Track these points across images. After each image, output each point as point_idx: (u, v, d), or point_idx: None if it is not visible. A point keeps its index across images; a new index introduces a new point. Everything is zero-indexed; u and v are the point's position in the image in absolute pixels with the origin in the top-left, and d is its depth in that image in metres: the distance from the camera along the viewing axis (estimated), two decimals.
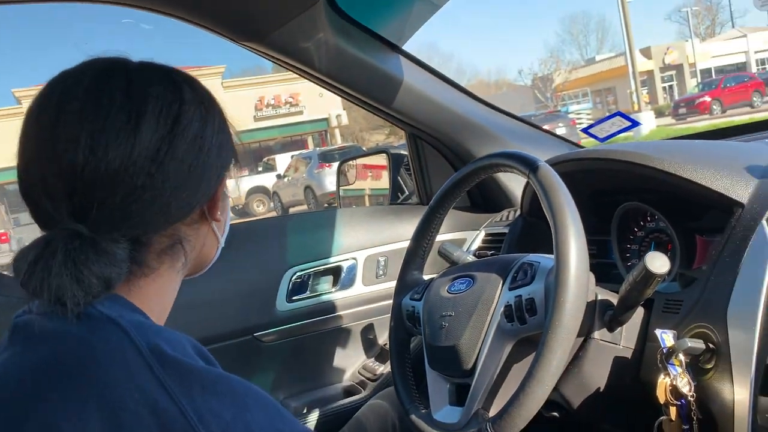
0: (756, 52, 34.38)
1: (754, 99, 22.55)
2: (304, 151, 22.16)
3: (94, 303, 0.60)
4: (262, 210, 19.89)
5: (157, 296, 0.69)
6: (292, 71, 1.42)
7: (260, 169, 23.27)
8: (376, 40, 1.45)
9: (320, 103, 27.00)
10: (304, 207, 16.83)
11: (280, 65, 1.40)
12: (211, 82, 26.38)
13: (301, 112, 28.56)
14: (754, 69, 32.45)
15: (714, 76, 29.83)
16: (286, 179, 18.58)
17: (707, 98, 22.52)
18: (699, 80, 29.82)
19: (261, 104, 28.33)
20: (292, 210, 17.03)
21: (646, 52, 33.28)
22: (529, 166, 1.00)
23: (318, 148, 22.68)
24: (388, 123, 1.66)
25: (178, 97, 0.66)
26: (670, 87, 34.65)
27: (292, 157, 20.27)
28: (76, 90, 0.63)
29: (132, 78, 0.66)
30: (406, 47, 1.52)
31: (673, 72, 34.56)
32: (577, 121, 18.85)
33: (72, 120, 0.61)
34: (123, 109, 0.62)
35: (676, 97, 29.69)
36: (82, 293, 0.57)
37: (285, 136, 29.53)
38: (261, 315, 1.50)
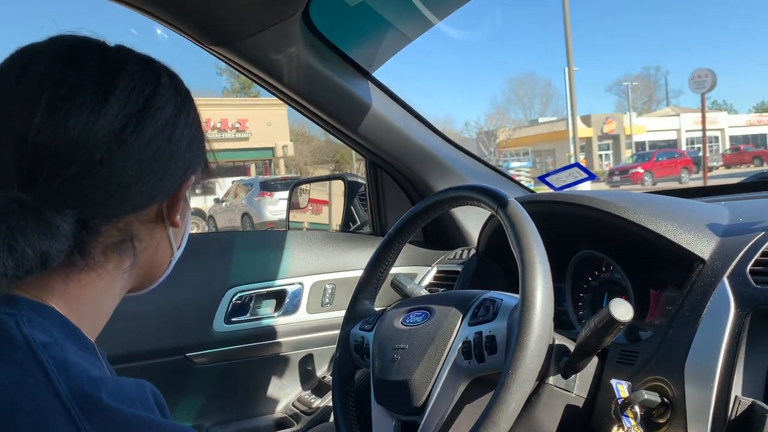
0: (687, 131, 36.47)
1: (683, 175, 23.80)
2: (245, 178, 21.90)
3: (20, 314, 0.54)
4: (194, 232, 19.42)
5: (95, 300, 0.62)
6: (257, 82, 1.37)
7: (198, 191, 22.77)
8: (346, 62, 1.42)
9: (268, 132, 26.86)
10: None
11: (246, 75, 1.35)
12: None
13: (247, 139, 28.28)
14: (684, 147, 34.37)
15: (648, 149, 31.39)
16: (224, 204, 18.28)
17: (640, 169, 23.64)
18: (634, 151, 31.34)
19: (207, 126, 27.49)
20: None
21: (587, 120, 34.75)
22: (498, 201, 0.98)
23: (260, 176, 22.46)
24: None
25: (154, 80, 0.63)
26: (607, 155, 36.18)
27: (232, 182, 19.96)
28: (44, 55, 0.59)
29: (108, 53, 0.62)
30: (376, 75, 1.50)
31: (610, 141, 36.15)
32: (517, 177, 19.33)
33: (34, 82, 0.57)
34: (93, 79, 0.58)
35: (612, 165, 31.01)
36: (13, 264, 0.51)
37: (227, 161, 29.11)
38: (195, 334, 1.41)
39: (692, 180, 23.07)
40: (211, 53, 1.29)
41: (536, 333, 0.83)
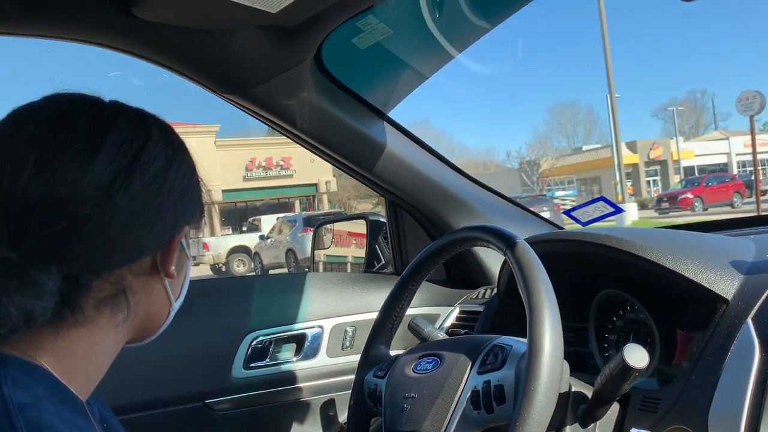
0: (737, 155, 35.42)
1: (735, 200, 23.06)
2: (289, 214, 22.17)
3: (5, 372, 0.53)
4: (242, 269, 19.67)
5: (88, 355, 0.62)
6: (272, 127, 1.38)
7: (244, 228, 23.19)
8: (361, 104, 1.42)
9: (311, 169, 27.21)
10: (285, 270, 16.66)
11: (260, 120, 1.36)
12: (204, 140, 26.73)
13: (291, 176, 28.74)
14: (735, 170, 33.36)
15: (697, 174, 30.59)
16: (269, 240, 18.48)
17: (690, 195, 22.99)
18: (682, 177, 30.57)
19: (252, 165, 28.53)
20: (271, 272, 16.86)
21: (632, 146, 34.15)
22: (506, 242, 0.95)
23: (304, 212, 22.70)
24: (375, 193, 1.62)
25: (144, 134, 0.63)
26: (654, 181, 35.40)
27: (277, 219, 20.23)
28: (37, 113, 0.61)
29: (98, 109, 0.63)
30: (393, 114, 1.50)
31: (658, 167, 35.39)
32: (562, 206, 19.10)
33: (25, 140, 0.58)
34: (81, 135, 0.59)
35: (660, 192, 30.30)
36: None
37: (272, 198, 29.61)
38: (215, 380, 1.40)
39: (745, 204, 22.30)
40: (226, 100, 1.31)
41: (544, 383, 0.79)
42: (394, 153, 1.47)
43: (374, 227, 1.79)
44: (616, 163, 20.92)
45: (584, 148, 40.88)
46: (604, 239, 1.08)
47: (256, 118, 1.36)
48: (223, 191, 27.43)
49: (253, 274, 18.09)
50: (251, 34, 1.15)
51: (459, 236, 1.06)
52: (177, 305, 0.72)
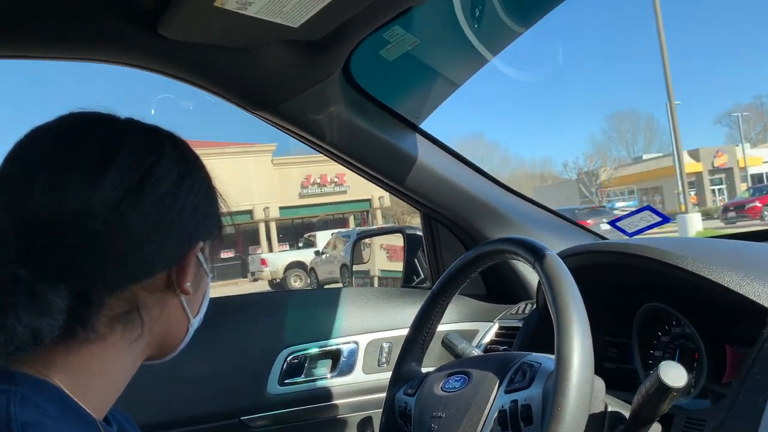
0: None
1: None
2: (344, 230, 22.34)
3: (15, 390, 0.53)
4: (298, 285, 19.95)
5: (102, 373, 0.61)
6: (303, 142, 1.38)
7: (300, 244, 23.48)
8: (392, 116, 1.40)
9: (364, 185, 27.27)
10: (339, 285, 16.78)
11: (291, 135, 1.36)
12: (262, 159, 27.32)
13: (345, 192, 29.02)
14: None
15: (766, 182, 29.26)
16: (324, 256, 18.66)
17: (758, 203, 21.97)
18: (749, 185, 29.28)
19: (307, 182, 28.96)
20: (327, 287, 17.01)
21: (695, 154, 33.02)
22: (534, 253, 0.91)
23: (358, 228, 22.84)
24: (412, 206, 1.59)
25: (156, 150, 0.63)
26: (720, 190, 34.06)
27: (332, 234, 20.42)
28: (50, 132, 0.62)
29: (110, 127, 0.63)
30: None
31: (723, 175, 34.07)
32: None
33: (36, 158, 0.59)
34: (92, 153, 0.59)
35: (726, 200, 29.13)
36: (2, 340, 0.52)
37: (327, 214, 29.93)
38: (250, 397, 1.39)
39: None
40: (256, 116, 1.32)
41: (572, 402, 0.75)
42: (428, 165, 1.45)
43: (412, 241, 1.77)
44: (678, 172, 20.22)
45: (644, 157, 39.75)
46: (640, 249, 1.02)
47: (287, 134, 1.36)
48: (280, 208, 27.95)
49: (310, 288, 18.29)
50: (277, 49, 1.15)
51: (485, 250, 1.03)
52: (196, 322, 0.72)
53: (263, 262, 21.68)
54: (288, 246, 27.94)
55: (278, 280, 20.28)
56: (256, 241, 28.18)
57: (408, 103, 1.41)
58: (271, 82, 1.22)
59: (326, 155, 1.41)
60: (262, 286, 19.55)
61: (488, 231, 1.51)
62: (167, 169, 0.63)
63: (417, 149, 1.42)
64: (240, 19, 0.98)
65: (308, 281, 19.71)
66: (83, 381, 0.60)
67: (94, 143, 0.60)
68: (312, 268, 19.30)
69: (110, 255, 0.58)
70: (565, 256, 1.12)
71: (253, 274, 22.46)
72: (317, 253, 19.74)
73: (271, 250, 27.10)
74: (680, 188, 20.43)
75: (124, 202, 0.58)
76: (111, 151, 0.60)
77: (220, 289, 18.34)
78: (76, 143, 0.60)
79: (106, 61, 1.09)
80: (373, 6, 1.03)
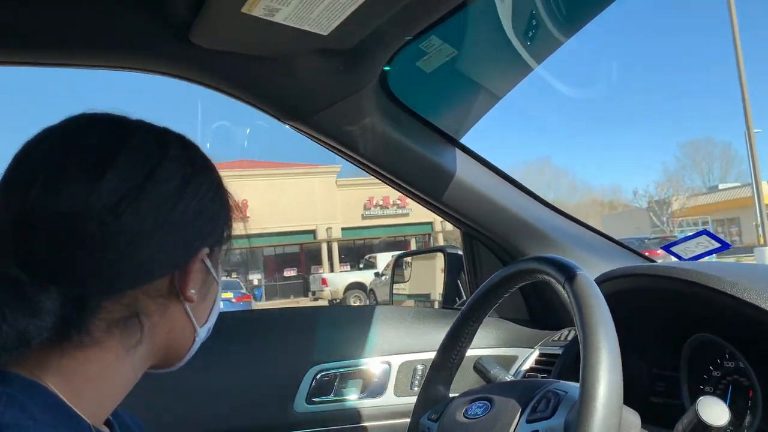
0: None
1: None
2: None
3: (2, 391, 0.52)
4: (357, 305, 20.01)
5: (98, 377, 0.59)
6: (338, 154, 1.35)
7: (361, 265, 23.57)
8: (430, 130, 1.36)
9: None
10: None
11: (325, 147, 1.34)
12: (326, 180, 27.71)
13: (407, 215, 29.00)
14: None
15: None
16: (383, 278, 18.66)
17: None
18: None
19: (370, 203, 29.13)
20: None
21: None
22: (565, 273, 0.84)
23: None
24: (451, 223, 1.54)
25: (161, 152, 0.62)
26: None
27: (392, 256, 20.42)
28: (54, 133, 0.61)
29: (115, 127, 0.62)
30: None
31: None
32: None
33: (38, 158, 0.58)
34: (93, 152, 0.58)
35: None
36: None
37: (389, 237, 29.98)
38: (276, 414, 1.36)
39: None
40: (289, 126, 1.30)
41: None
42: (468, 182, 1.39)
43: (453, 261, 1.71)
44: (756, 202, 19.28)
45: (721, 186, 38.13)
46: (683, 273, 0.93)
47: (322, 145, 1.33)
48: (342, 229, 28.18)
49: (347, 306, 18.31)
50: (310, 59, 1.13)
51: (515, 270, 0.97)
52: (203, 331, 0.69)
53: (324, 281, 21.88)
54: (349, 267, 28.13)
55: (338, 300, 20.40)
56: (318, 261, 28.49)
57: (447, 117, 1.37)
58: (303, 91, 1.21)
59: (361, 168, 1.38)
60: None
61: (530, 251, 1.44)
62: (170, 172, 0.61)
63: (456, 164, 1.37)
64: (269, 27, 0.97)
65: (368, 302, 19.75)
66: (78, 385, 0.58)
67: (93, 144, 0.60)
68: (371, 290, 19.33)
69: (106, 257, 0.57)
70: (603, 279, 1.04)
71: (313, 293, 22.68)
72: (377, 274, 19.77)
73: (332, 270, 27.32)
74: (759, 220, 19.46)
75: (122, 203, 0.57)
76: (111, 152, 0.59)
77: (277, 306, 18.58)
78: (78, 143, 0.60)
79: (139, 69, 1.10)
80: (405, 13, 1.00)
